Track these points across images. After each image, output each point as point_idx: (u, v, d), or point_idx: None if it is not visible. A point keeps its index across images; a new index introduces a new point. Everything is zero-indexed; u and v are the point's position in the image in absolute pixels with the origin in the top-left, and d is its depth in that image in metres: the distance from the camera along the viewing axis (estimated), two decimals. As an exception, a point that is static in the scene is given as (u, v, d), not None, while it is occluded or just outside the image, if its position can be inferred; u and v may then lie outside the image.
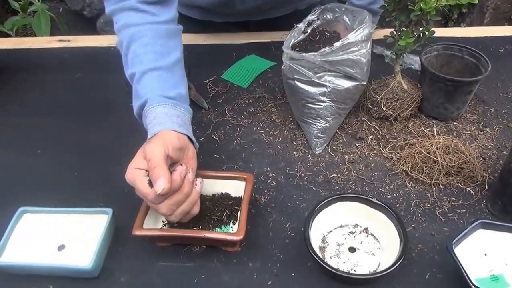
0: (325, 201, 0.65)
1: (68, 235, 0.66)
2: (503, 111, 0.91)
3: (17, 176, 0.79)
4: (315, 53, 0.75)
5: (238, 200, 0.69)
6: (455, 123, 0.88)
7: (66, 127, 0.89)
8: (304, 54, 0.75)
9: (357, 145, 0.84)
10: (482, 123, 0.88)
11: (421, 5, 0.70)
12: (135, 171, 0.61)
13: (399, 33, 0.80)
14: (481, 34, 1.15)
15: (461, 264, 0.56)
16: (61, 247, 0.65)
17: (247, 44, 1.11)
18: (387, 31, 0.84)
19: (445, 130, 0.86)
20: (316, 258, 0.58)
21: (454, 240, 0.58)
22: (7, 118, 0.91)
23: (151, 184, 0.59)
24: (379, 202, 0.65)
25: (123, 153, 0.82)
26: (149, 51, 0.73)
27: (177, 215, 0.61)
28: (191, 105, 0.92)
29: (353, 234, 0.66)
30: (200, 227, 0.65)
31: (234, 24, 1.16)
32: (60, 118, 0.91)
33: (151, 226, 0.65)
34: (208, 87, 0.98)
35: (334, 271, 0.57)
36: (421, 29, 0.78)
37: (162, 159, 0.60)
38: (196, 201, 0.63)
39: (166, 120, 0.67)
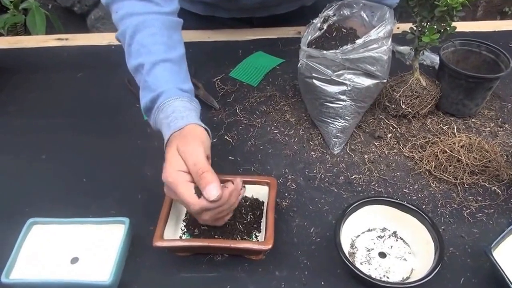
0: (353, 205, 0.62)
1: (81, 247, 0.62)
2: (520, 106, 0.90)
3: (22, 183, 0.74)
4: (336, 51, 0.72)
5: (260, 205, 0.66)
6: (473, 120, 0.86)
7: (71, 130, 0.85)
8: (324, 52, 0.72)
9: (376, 144, 0.81)
10: (500, 119, 0.86)
11: (448, 0, 0.67)
12: (179, 174, 0.56)
13: (419, 29, 0.78)
14: (490, 28, 1.14)
15: (503, 271, 0.53)
16: (74, 260, 0.61)
17: (253, 41, 1.07)
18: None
19: (463, 127, 0.84)
20: (352, 267, 0.55)
21: (493, 244, 0.56)
22: (8, 120, 0.87)
23: (198, 192, 0.56)
24: (411, 206, 0.62)
25: (133, 156, 0.79)
26: (158, 41, 0.69)
27: (217, 220, 0.59)
28: (201, 105, 0.89)
29: (382, 238, 0.64)
30: (223, 236, 0.62)
31: (238, 20, 1.13)
32: (64, 120, 0.86)
33: (171, 235, 0.62)
34: (216, 86, 0.94)
35: (371, 280, 0.54)
36: (443, 24, 0.76)
37: (207, 163, 0.57)
38: (234, 207, 0.61)
39: (187, 113, 0.63)
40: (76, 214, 0.66)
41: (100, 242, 0.62)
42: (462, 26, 1.16)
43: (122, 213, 0.68)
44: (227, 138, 0.82)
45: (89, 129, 0.85)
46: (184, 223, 0.65)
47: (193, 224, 0.63)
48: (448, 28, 0.77)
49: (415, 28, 0.80)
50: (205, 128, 0.63)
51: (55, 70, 0.99)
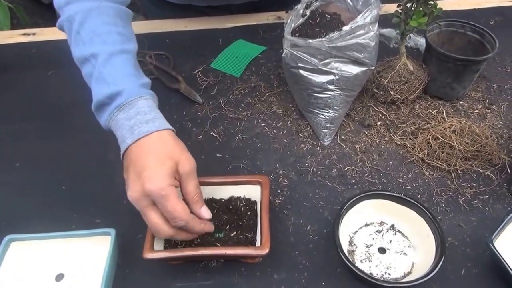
0: (349, 203, 0.60)
1: (66, 263, 0.58)
2: (506, 86, 0.89)
3: (-3, 196, 0.69)
4: (323, 39, 0.69)
5: (253, 206, 0.63)
6: (461, 103, 0.85)
7: (45, 134, 0.79)
8: (310, 40, 0.69)
9: (366, 132, 0.79)
10: (487, 100, 0.85)
11: (437, -19, 0.65)
12: (171, 189, 0.53)
13: (405, 12, 0.75)
14: (470, 6, 1.12)
15: (506, 262, 0.53)
16: (59, 277, 0.58)
17: (232, 29, 1.03)
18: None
19: (452, 110, 0.83)
20: (353, 268, 0.53)
21: (494, 235, 0.55)
22: (-26, 127, 0.81)
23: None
24: (408, 199, 0.61)
25: (115, 159, 0.74)
26: (113, 31, 0.62)
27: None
28: (183, 100, 0.86)
29: (380, 233, 0.62)
30: (217, 241, 0.59)
31: (216, 8, 1.08)
32: (37, 124, 0.81)
33: (162, 244, 0.59)
34: (198, 78, 0.90)
35: (373, 281, 0.52)
36: (429, 6, 0.73)
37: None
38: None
39: (152, 115, 0.57)
40: (57, 227, 0.62)
41: (86, 256, 0.59)
42: (442, 5, 1.15)
43: (107, 222, 0.65)
44: (213, 134, 0.79)
45: (66, 132, 0.80)
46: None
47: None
48: (434, 10, 0.75)
49: (400, 11, 0.77)
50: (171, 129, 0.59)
51: (23, 68, 0.93)
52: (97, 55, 0.60)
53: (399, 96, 0.80)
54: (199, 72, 0.91)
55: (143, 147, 0.55)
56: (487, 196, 0.68)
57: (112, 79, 0.59)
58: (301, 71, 0.73)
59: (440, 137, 0.73)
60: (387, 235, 0.62)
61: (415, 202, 0.60)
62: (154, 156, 0.54)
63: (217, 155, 0.75)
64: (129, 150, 0.55)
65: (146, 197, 0.52)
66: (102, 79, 0.59)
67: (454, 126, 0.74)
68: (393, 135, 0.78)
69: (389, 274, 0.57)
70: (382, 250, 0.60)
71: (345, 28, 0.69)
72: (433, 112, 0.82)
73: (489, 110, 0.84)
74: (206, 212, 0.57)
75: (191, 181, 0.55)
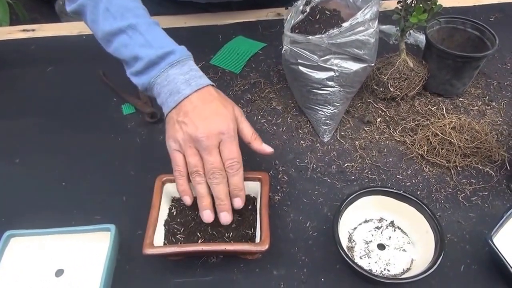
0: (349, 199, 0.60)
1: (66, 259, 0.59)
2: (506, 83, 0.89)
3: (-4, 192, 0.69)
4: (322, 35, 0.69)
5: (252, 202, 0.63)
6: (460, 99, 0.85)
7: (44, 130, 0.79)
8: (310, 37, 0.69)
9: (366, 129, 0.79)
10: (487, 97, 0.85)
11: (437, -23, 0.65)
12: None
13: (405, 9, 0.75)
14: (469, 3, 1.12)
15: (505, 259, 0.53)
16: (59, 272, 0.58)
17: (232, 25, 1.03)
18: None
19: (451, 107, 0.83)
20: (353, 264, 0.53)
21: (493, 232, 0.55)
22: (-26, 123, 0.81)
23: None
24: (408, 195, 0.61)
25: (114, 155, 0.74)
26: (140, 7, 0.68)
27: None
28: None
29: (380, 229, 0.62)
30: (216, 236, 0.59)
31: (216, 5, 1.08)
32: (36, 120, 0.81)
33: (161, 240, 0.59)
34: (197, 75, 0.90)
35: (373, 277, 0.53)
36: (429, 2, 0.73)
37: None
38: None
39: (202, 74, 0.65)
40: (57, 222, 0.62)
41: (86, 252, 0.59)
42: (442, 1, 1.15)
43: (107, 218, 0.65)
44: (213, 130, 0.79)
45: (64, 128, 0.79)
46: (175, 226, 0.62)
47: (184, 226, 0.60)
48: (434, 7, 0.75)
49: (400, 8, 0.77)
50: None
51: (22, 65, 0.92)
52: (135, 25, 0.64)
53: (398, 93, 0.80)
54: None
55: (204, 95, 0.62)
56: (486, 193, 0.68)
57: (159, 43, 0.64)
58: (300, 67, 0.73)
59: (439, 133, 0.73)
60: (386, 232, 0.62)
61: (414, 198, 0.60)
62: (219, 102, 0.61)
63: (217, 151, 0.75)
64: (188, 99, 0.61)
65: (218, 135, 0.58)
66: (149, 44, 0.64)
67: (453, 123, 0.74)
68: (392, 132, 0.78)
69: (388, 270, 0.57)
70: (381, 247, 0.60)
71: (345, 24, 0.68)
72: (432, 109, 0.82)
73: (489, 107, 0.84)
74: (268, 147, 0.64)
75: (245, 122, 0.63)
